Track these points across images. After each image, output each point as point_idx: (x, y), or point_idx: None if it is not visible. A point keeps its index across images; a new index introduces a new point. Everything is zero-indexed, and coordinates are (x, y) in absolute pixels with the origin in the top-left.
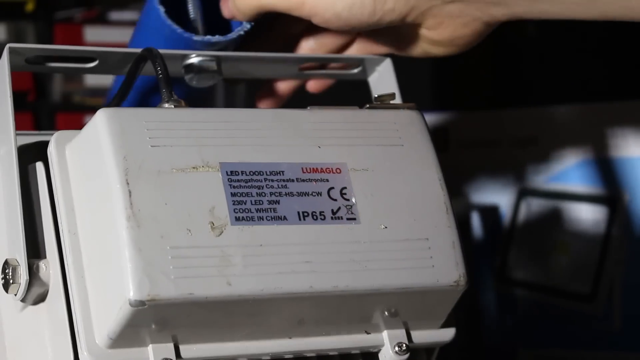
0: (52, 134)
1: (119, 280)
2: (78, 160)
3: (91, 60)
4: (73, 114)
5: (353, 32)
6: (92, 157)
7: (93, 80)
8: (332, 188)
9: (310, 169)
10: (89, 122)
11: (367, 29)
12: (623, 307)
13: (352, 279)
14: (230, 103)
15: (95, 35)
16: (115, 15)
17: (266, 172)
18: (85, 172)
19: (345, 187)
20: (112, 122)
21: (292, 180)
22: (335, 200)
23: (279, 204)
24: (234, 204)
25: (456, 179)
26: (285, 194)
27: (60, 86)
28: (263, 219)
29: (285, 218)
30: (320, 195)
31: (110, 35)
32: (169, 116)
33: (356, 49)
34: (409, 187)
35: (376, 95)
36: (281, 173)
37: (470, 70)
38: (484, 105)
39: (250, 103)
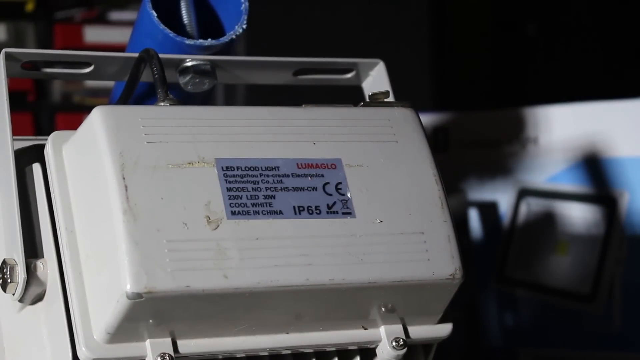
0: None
1: (116, 273)
2: (75, 159)
3: (87, 65)
4: (73, 114)
5: None
6: (88, 154)
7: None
8: (327, 183)
9: (305, 164)
10: (85, 120)
11: None
12: (623, 307)
13: (348, 272)
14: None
15: (95, 36)
16: (115, 15)
17: (261, 167)
18: (82, 170)
19: (340, 183)
20: (107, 119)
21: (288, 176)
22: (331, 195)
23: (274, 198)
24: (229, 199)
25: (456, 179)
26: (281, 189)
27: (60, 86)
28: (259, 213)
29: (281, 212)
30: (316, 190)
31: (110, 36)
32: (164, 113)
33: None
34: (403, 183)
35: (370, 94)
36: (276, 168)
37: (470, 70)
38: (484, 105)
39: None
